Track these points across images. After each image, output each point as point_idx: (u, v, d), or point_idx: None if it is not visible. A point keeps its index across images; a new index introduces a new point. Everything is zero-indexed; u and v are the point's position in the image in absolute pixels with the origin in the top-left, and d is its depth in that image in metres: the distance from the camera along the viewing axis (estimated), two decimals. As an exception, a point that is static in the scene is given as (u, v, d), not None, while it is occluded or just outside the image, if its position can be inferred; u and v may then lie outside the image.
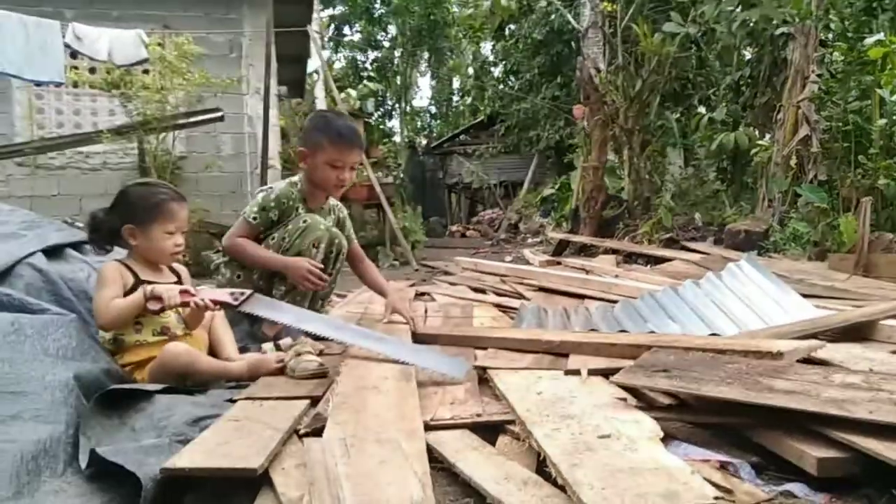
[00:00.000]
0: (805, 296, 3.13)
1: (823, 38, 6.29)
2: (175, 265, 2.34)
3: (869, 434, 1.28)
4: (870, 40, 5.46)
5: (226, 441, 1.48)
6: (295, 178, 2.80)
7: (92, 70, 7.17)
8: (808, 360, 1.93)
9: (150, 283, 2.12)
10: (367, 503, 1.10)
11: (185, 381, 1.97)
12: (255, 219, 2.66)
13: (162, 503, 1.33)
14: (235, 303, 2.16)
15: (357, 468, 1.20)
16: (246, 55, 7.79)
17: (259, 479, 1.37)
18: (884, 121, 5.22)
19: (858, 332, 2.48)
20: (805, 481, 1.31)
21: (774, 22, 6.56)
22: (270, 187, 2.72)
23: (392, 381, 1.88)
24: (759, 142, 6.81)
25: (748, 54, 8.56)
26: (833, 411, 1.34)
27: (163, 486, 1.33)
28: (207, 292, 2.17)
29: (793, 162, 5.93)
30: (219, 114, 6.88)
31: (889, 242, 4.52)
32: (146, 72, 6.79)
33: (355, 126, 2.78)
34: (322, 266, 2.61)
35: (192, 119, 6.67)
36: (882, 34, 5.46)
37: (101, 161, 7.22)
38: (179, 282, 2.28)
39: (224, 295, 2.18)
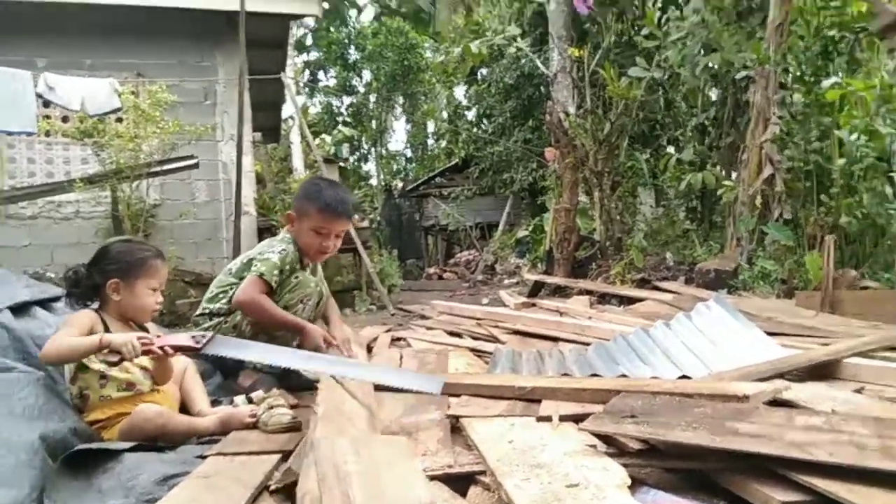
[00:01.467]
0: (773, 334, 3.18)
1: (783, 80, 6.51)
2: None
3: (830, 476, 1.31)
4: (826, 83, 5.66)
5: (194, 499, 1.47)
6: (287, 237, 2.85)
7: (65, 119, 7.17)
8: (774, 402, 1.96)
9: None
10: (376, 500, 1.12)
11: (155, 441, 1.95)
12: (275, 281, 2.68)
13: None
14: (198, 346, 2.13)
15: (366, 466, 1.21)
16: (220, 102, 7.85)
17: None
18: (843, 160, 5.39)
19: (824, 371, 2.53)
20: (771, 525, 1.33)
21: (735, 65, 6.78)
22: (284, 249, 2.75)
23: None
24: (726, 182, 6.97)
25: (713, 96, 8.81)
26: (795, 454, 1.37)
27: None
28: (167, 338, 2.13)
29: (758, 201, 6.06)
30: (193, 161, 6.90)
31: (853, 279, 4.62)
32: (119, 120, 6.80)
33: (346, 196, 2.87)
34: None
35: (166, 167, 6.67)
36: (838, 77, 5.67)
37: (73, 210, 7.16)
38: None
39: (185, 339, 2.15)
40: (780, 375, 2.34)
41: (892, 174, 5.54)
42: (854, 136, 5.31)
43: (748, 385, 1.94)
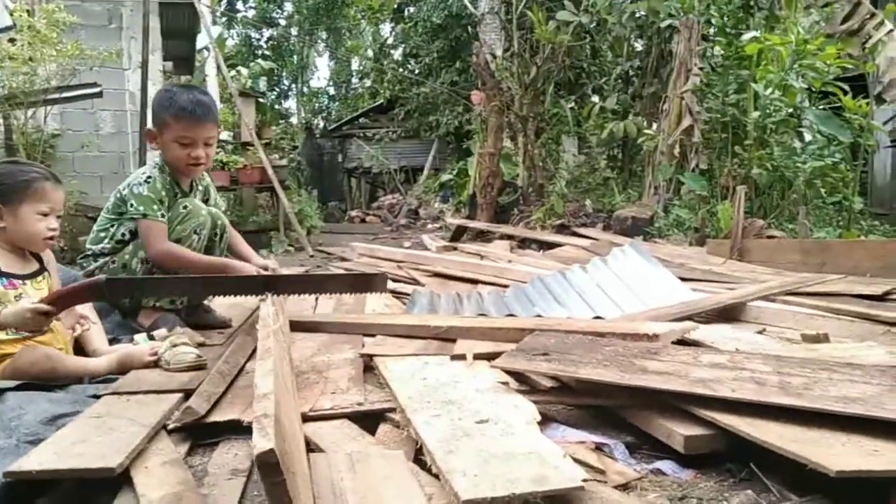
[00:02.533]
0: (684, 279, 3.28)
1: (705, 32, 6.60)
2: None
3: (731, 411, 1.34)
4: (746, 36, 5.77)
5: (83, 440, 1.37)
6: (157, 161, 2.61)
7: (-51, 37, 6.52)
8: (682, 342, 2.01)
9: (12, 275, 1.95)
10: None
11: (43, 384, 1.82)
12: (163, 216, 2.46)
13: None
14: (99, 294, 2.02)
15: (362, 483, 1.15)
16: (126, 26, 7.31)
17: (121, 480, 1.28)
18: (757, 114, 5.55)
19: (729, 314, 2.62)
20: (674, 459, 1.36)
21: (661, 15, 6.82)
22: (149, 176, 2.50)
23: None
24: (647, 131, 7.09)
25: (639, 45, 8.87)
26: (699, 391, 1.40)
27: (10, 491, 1.22)
28: (63, 292, 1.98)
29: (676, 151, 6.20)
30: (96, 89, 6.42)
31: (761, 229, 4.81)
32: (12, 41, 6.23)
33: (204, 97, 2.57)
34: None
35: (66, 94, 6.17)
36: (757, 31, 5.79)
37: (-39, 137, 6.59)
38: (42, 268, 2.10)
39: (82, 290, 2.01)
40: (690, 318, 2.40)
41: (801, 129, 5.76)
42: (769, 91, 5.46)
43: (658, 325, 1.98)
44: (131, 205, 2.45)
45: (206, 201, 2.74)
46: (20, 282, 2.00)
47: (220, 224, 2.63)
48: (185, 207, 2.50)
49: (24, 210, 1.99)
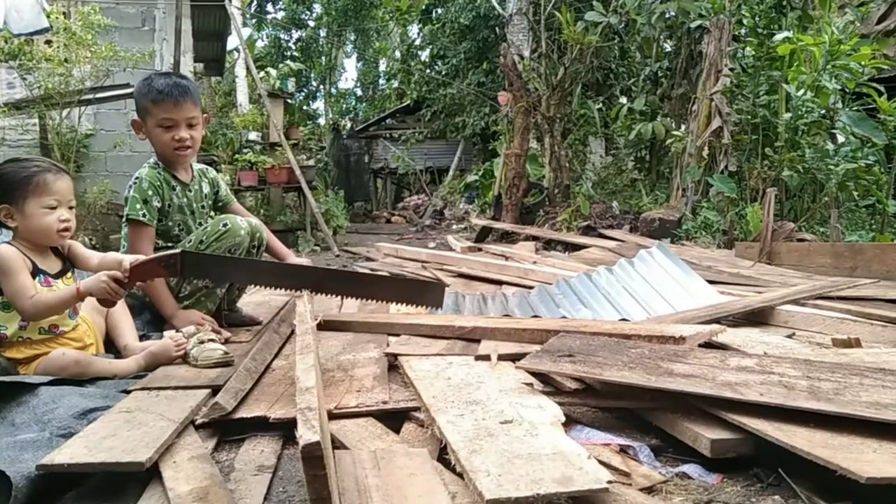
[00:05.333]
0: (711, 282, 3.24)
1: (736, 33, 6.52)
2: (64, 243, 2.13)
3: (759, 415, 1.32)
4: (778, 37, 5.69)
5: (113, 434, 1.40)
6: (151, 159, 2.59)
7: (-12, 39, 6.69)
8: (709, 344, 1.98)
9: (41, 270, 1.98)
10: None
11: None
12: (145, 215, 2.41)
13: (43, 501, 1.25)
14: (171, 270, 1.98)
15: (387, 480, 1.16)
16: (159, 28, 7.43)
17: (149, 474, 1.30)
18: (789, 115, 5.47)
19: (758, 317, 2.58)
20: (700, 462, 1.34)
21: (691, 15, 6.75)
22: (137, 177, 2.49)
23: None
24: (675, 132, 7.02)
25: (667, 46, 8.79)
26: (727, 394, 1.38)
27: (42, 483, 1.25)
28: (135, 266, 1.93)
29: (705, 153, 6.13)
30: (129, 90, 6.53)
31: (791, 231, 4.74)
32: (48, 42, 6.38)
33: (184, 81, 2.55)
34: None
35: (100, 95, 6.31)
36: (790, 31, 5.70)
37: (-1, 137, 6.75)
38: (66, 264, 2.11)
39: (154, 264, 1.96)
40: (717, 321, 2.37)
41: (834, 130, 5.66)
42: (801, 92, 5.38)
43: (684, 327, 1.95)
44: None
45: (215, 193, 2.73)
46: (54, 280, 2.03)
47: (259, 236, 2.58)
48: (224, 225, 2.46)
49: (30, 206, 1.96)
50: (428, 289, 2.28)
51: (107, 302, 1.94)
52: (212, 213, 2.71)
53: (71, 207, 2.04)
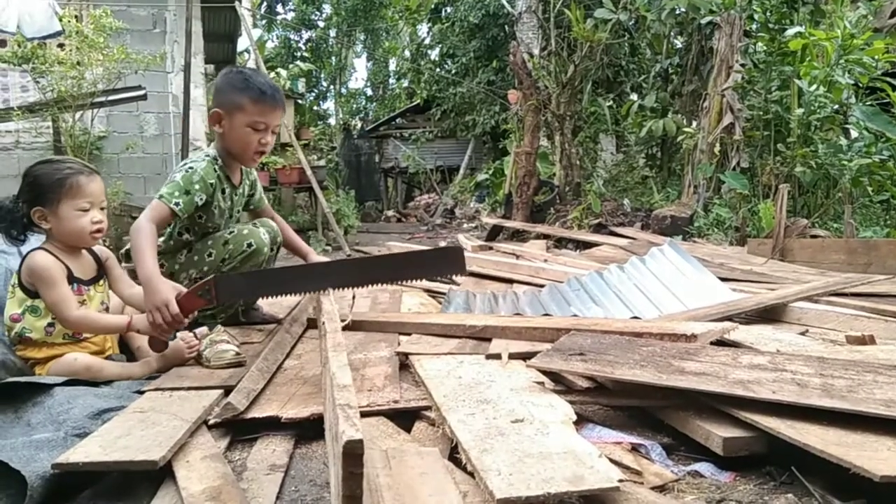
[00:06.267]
0: (724, 279, 3.22)
1: (747, 28, 6.47)
2: (98, 249, 2.15)
3: (772, 413, 1.31)
4: (790, 32, 5.65)
5: (127, 433, 1.41)
6: (210, 152, 2.48)
7: (1, 43, 6.76)
8: (721, 342, 1.97)
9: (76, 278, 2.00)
10: None
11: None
12: (177, 205, 2.23)
13: (58, 500, 1.27)
14: (210, 301, 1.92)
15: (398, 479, 1.16)
16: (170, 31, 7.48)
17: (163, 473, 1.31)
18: (801, 110, 5.42)
19: (770, 314, 2.57)
20: (712, 461, 1.34)
21: (701, 11, 6.72)
22: (191, 167, 2.36)
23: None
24: (686, 129, 6.98)
25: (678, 43, 8.75)
26: (739, 392, 1.37)
27: (57, 482, 1.26)
28: (181, 303, 1.88)
29: (717, 149, 6.10)
30: (141, 92, 6.60)
31: (804, 228, 4.70)
32: (61, 45, 6.44)
33: (277, 84, 2.52)
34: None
35: (112, 97, 6.36)
36: (802, 27, 5.66)
37: (13, 140, 6.81)
38: (101, 268, 2.13)
39: (192, 298, 1.90)
40: (729, 318, 2.36)
41: (847, 126, 5.61)
42: (813, 87, 5.34)
43: (696, 325, 1.95)
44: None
45: (251, 196, 2.69)
46: (86, 287, 2.05)
47: (278, 240, 2.58)
48: (249, 245, 2.41)
49: (63, 208, 1.98)
50: (448, 254, 2.29)
51: (156, 343, 1.92)
52: (240, 215, 2.68)
53: (103, 208, 2.06)
